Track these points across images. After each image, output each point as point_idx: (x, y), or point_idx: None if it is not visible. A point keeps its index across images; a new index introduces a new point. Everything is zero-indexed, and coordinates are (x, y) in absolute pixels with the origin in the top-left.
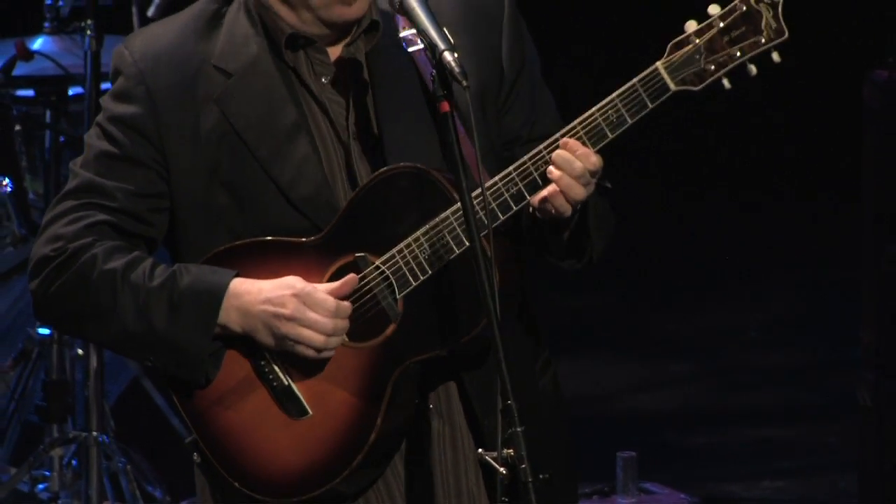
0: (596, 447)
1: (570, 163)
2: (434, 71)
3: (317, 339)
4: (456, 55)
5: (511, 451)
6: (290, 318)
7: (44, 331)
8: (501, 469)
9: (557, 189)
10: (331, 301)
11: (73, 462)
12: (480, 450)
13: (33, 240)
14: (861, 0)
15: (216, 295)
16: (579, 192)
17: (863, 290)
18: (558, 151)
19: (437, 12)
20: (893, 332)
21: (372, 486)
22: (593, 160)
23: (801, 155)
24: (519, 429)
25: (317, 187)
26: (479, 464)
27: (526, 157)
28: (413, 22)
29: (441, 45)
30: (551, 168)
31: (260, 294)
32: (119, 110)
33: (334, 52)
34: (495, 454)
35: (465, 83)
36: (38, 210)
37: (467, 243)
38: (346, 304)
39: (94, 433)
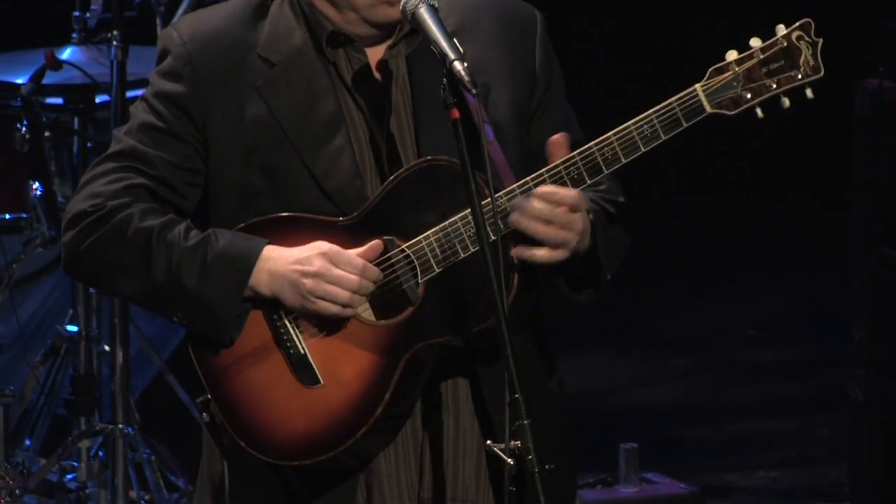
0: (599, 439)
1: (536, 210)
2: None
3: (342, 294)
4: (465, 64)
5: (518, 442)
6: (315, 275)
7: (72, 327)
8: (509, 460)
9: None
10: (359, 260)
11: (100, 453)
12: (489, 441)
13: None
14: (852, 10)
15: (249, 258)
16: (558, 235)
17: (854, 291)
18: (525, 206)
19: (474, 26)
20: (883, 330)
21: (373, 466)
22: (569, 196)
23: (795, 160)
24: (526, 421)
25: (349, 178)
26: (478, 457)
27: (544, 170)
28: (424, 33)
29: (451, 55)
30: (514, 220)
31: (290, 256)
32: (166, 87)
33: (376, 53)
34: (503, 446)
35: (474, 91)
36: None
37: (492, 237)
38: (376, 268)
39: (120, 425)
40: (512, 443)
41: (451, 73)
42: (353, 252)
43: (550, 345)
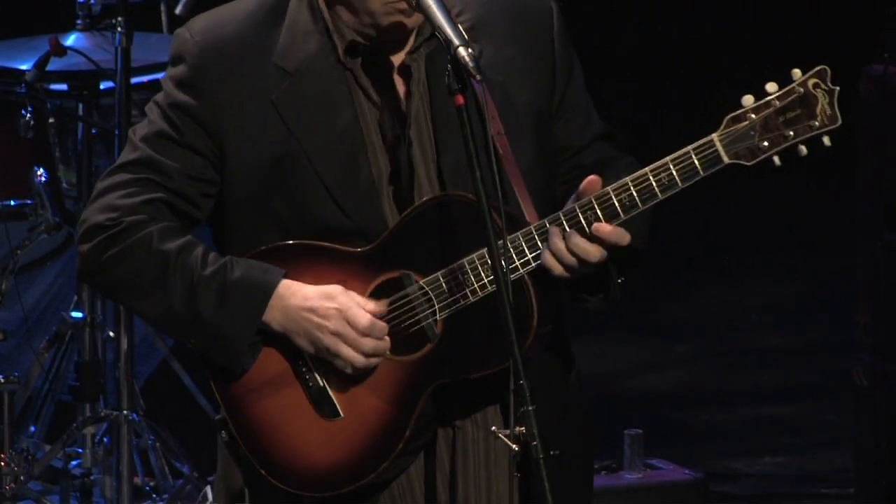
0: (604, 425)
1: (587, 253)
2: (450, 66)
3: (358, 360)
4: (470, 50)
5: (523, 428)
6: (333, 333)
7: (77, 314)
8: (514, 446)
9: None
10: (364, 320)
11: (105, 439)
12: (494, 427)
13: (67, 227)
14: None
15: (265, 293)
16: (588, 266)
17: (858, 276)
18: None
19: (488, 24)
20: (887, 316)
21: (406, 482)
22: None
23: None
24: (531, 408)
25: (364, 192)
26: (509, 465)
27: (566, 209)
28: (429, 19)
29: (456, 41)
30: (552, 252)
31: (305, 301)
32: (180, 98)
33: (396, 59)
34: (507, 432)
35: (478, 77)
36: (70, 199)
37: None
38: (382, 323)
39: (125, 412)
40: (517, 429)
41: (456, 59)
42: (370, 307)
43: (569, 341)
